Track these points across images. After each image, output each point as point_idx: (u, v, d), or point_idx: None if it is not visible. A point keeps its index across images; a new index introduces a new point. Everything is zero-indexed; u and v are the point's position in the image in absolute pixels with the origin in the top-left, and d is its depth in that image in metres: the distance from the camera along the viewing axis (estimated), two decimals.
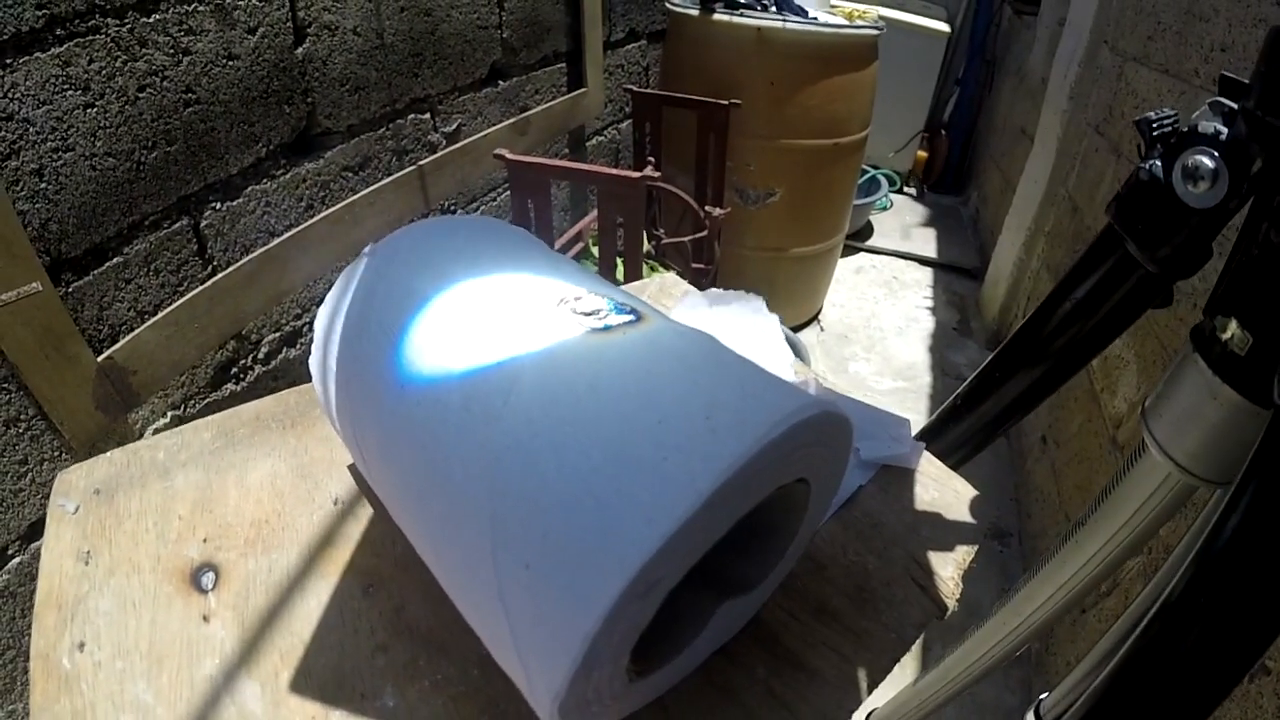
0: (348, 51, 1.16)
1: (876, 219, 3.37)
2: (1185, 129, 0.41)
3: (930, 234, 3.38)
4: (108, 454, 0.62)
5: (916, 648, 1.61)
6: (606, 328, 0.41)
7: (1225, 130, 0.39)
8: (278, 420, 0.66)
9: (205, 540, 0.55)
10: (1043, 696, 1.01)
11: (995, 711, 1.55)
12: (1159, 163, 0.42)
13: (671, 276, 0.96)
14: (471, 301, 0.45)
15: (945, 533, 0.60)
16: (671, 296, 0.88)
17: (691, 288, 0.91)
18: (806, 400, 0.37)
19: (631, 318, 0.43)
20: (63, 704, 0.44)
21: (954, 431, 0.69)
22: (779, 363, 0.76)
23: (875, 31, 1.96)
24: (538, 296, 0.45)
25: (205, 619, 0.50)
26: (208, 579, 0.52)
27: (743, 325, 0.82)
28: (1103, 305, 0.53)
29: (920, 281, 3.05)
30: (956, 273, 3.07)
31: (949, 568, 0.56)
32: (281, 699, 0.45)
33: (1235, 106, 0.40)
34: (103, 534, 0.55)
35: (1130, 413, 1.60)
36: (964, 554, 0.58)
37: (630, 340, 0.41)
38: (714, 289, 0.88)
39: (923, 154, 3.69)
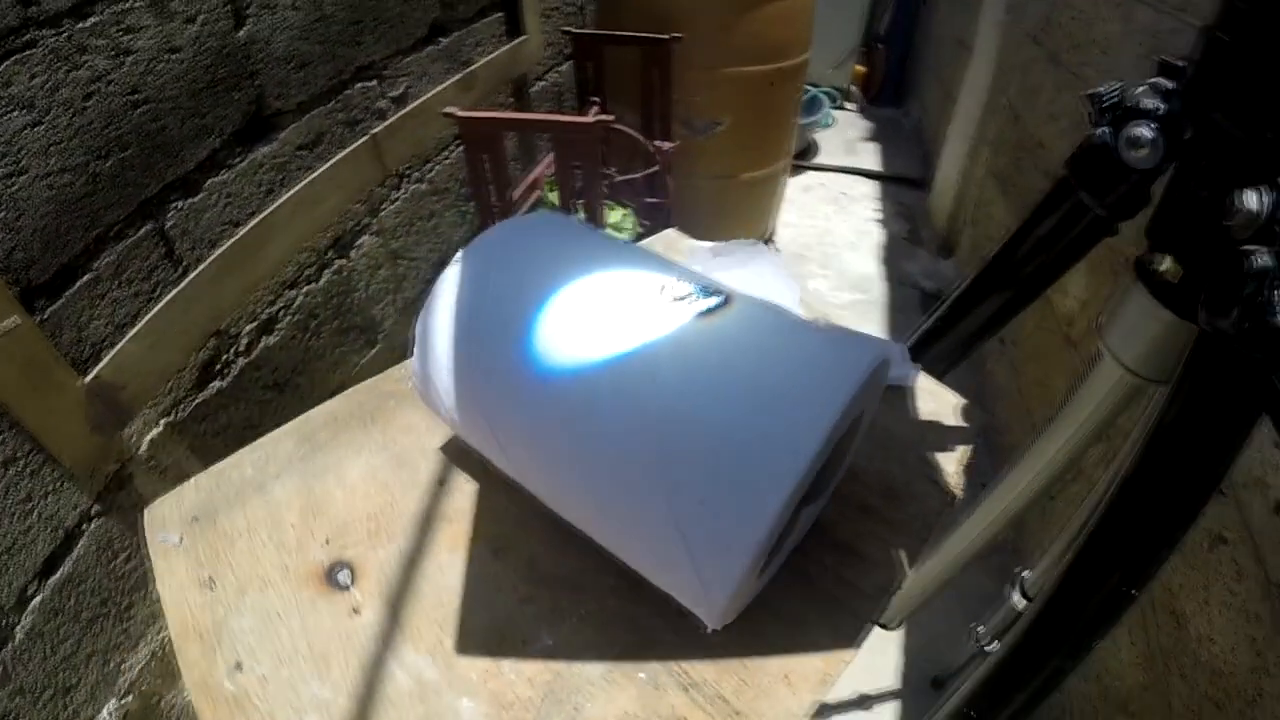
0: (289, 28, 1.10)
1: (821, 137, 3.34)
2: (1130, 104, 0.50)
3: (874, 148, 3.37)
4: (191, 481, 0.63)
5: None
6: (709, 310, 0.51)
7: (1162, 107, 0.48)
8: (355, 419, 0.69)
9: (328, 542, 0.58)
10: (1023, 574, 1.08)
11: (978, 597, 1.61)
12: (1108, 130, 0.51)
13: (672, 233, 0.97)
14: (585, 298, 0.52)
15: (945, 437, 0.70)
16: (679, 252, 0.92)
17: (696, 243, 0.95)
18: (874, 348, 0.49)
19: (719, 298, 0.52)
20: None
21: (936, 348, 0.77)
22: (789, 300, 0.82)
23: None
24: (636, 288, 0.53)
25: (356, 611, 0.53)
26: (344, 576, 0.55)
27: (749, 271, 0.86)
28: (1061, 240, 0.63)
29: (868, 195, 3.05)
30: (903, 184, 3.08)
31: (952, 464, 0.67)
32: (453, 662, 0.50)
33: (1171, 87, 0.49)
34: (218, 557, 0.56)
35: (1081, 311, 1.64)
36: (962, 453, 0.69)
37: (731, 321, 0.50)
38: (715, 242, 0.90)
39: (861, 69, 3.65)
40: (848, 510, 0.61)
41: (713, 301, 0.51)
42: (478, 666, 0.50)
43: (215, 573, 0.55)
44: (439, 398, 0.56)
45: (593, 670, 0.50)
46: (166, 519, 0.60)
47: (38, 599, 0.79)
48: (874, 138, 3.49)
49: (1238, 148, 0.44)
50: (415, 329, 0.57)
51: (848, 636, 0.53)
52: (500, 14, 1.70)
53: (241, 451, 0.65)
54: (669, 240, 0.94)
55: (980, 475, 1.62)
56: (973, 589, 1.62)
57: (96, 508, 0.85)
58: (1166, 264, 0.52)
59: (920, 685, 1.51)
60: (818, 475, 0.53)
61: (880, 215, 2.94)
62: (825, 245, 2.78)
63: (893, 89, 3.75)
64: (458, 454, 0.64)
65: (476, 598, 0.54)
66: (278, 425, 0.68)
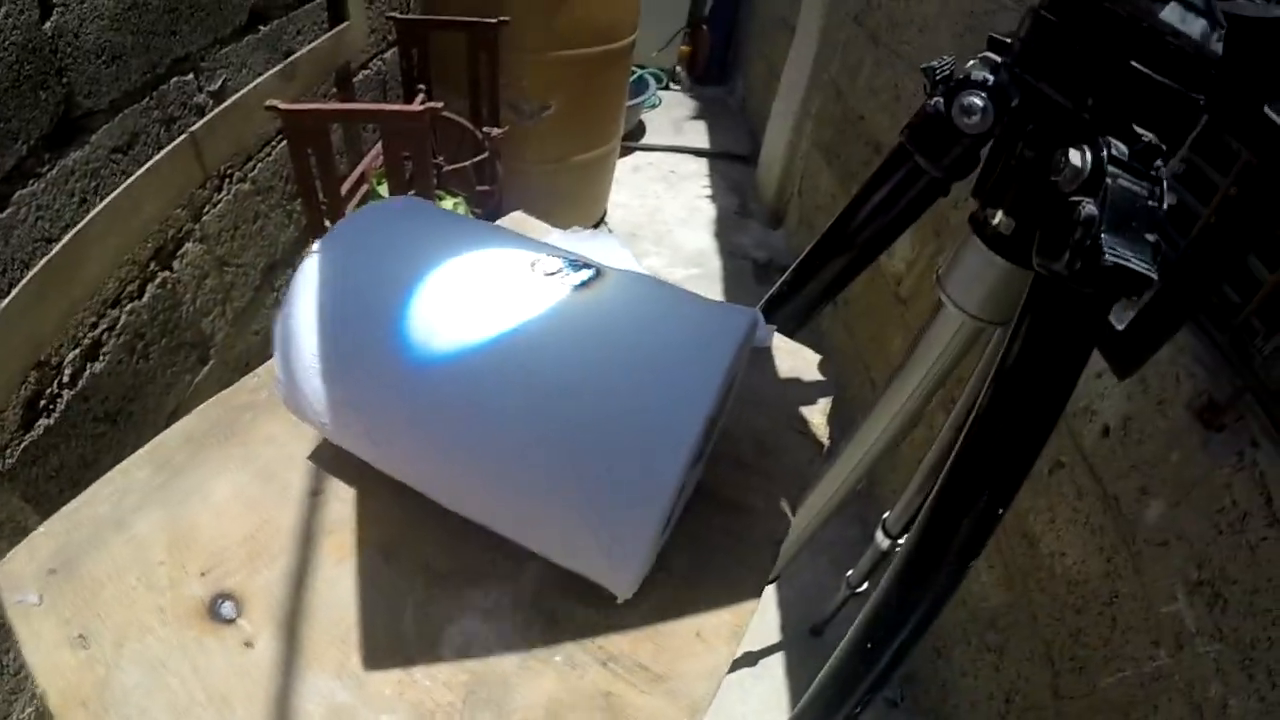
0: (100, 18, 1.00)
1: (648, 117, 3.40)
2: (961, 75, 0.55)
3: (701, 126, 3.46)
4: (41, 528, 0.55)
5: None
6: (584, 283, 0.51)
7: (992, 78, 0.53)
8: (212, 436, 0.63)
9: (204, 574, 0.53)
10: (885, 516, 1.16)
11: (841, 544, 1.71)
12: (941, 100, 0.56)
13: (519, 215, 0.96)
14: (455, 280, 0.51)
15: (808, 390, 0.76)
16: (532, 232, 0.92)
17: (545, 225, 0.95)
18: (747, 311, 0.53)
19: (591, 271, 0.53)
20: None
21: (783, 311, 0.83)
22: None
23: None
24: (506, 266, 0.52)
25: (249, 644, 0.49)
26: (229, 608, 0.51)
27: (605, 258, 0.86)
28: (898, 203, 0.69)
29: (697, 172, 3.13)
30: (731, 160, 3.18)
31: (816, 416, 0.72)
32: (363, 680, 0.48)
33: (999, 60, 0.55)
34: (86, 610, 0.50)
35: (908, 271, 1.76)
36: (824, 404, 0.74)
37: (608, 293, 0.52)
38: (573, 228, 0.91)
39: (686, 49, 3.73)
40: (725, 468, 0.64)
41: (585, 275, 0.52)
42: (390, 679, 0.48)
43: (86, 628, 0.49)
44: (307, 401, 0.54)
45: (509, 662, 0.50)
46: (19, 576, 0.52)
47: None
48: (701, 116, 3.58)
49: (1063, 114, 0.50)
50: (275, 331, 0.54)
51: (747, 587, 0.56)
52: (322, 0, 1.61)
53: (93, 487, 0.59)
54: (517, 221, 0.94)
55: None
56: (834, 538, 1.71)
57: None
58: (999, 219, 0.60)
59: (799, 635, 1.59)
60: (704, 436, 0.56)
61: (710, 191, 3.02)
62: (657, 223, 2.83)
63: (718, 68, 3.86)
64: (330, 460, 0.61)
65: (375, 608, 0.52)
66: (116, 462, 0.61)
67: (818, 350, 0.81)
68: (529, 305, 0.49)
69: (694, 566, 0.57)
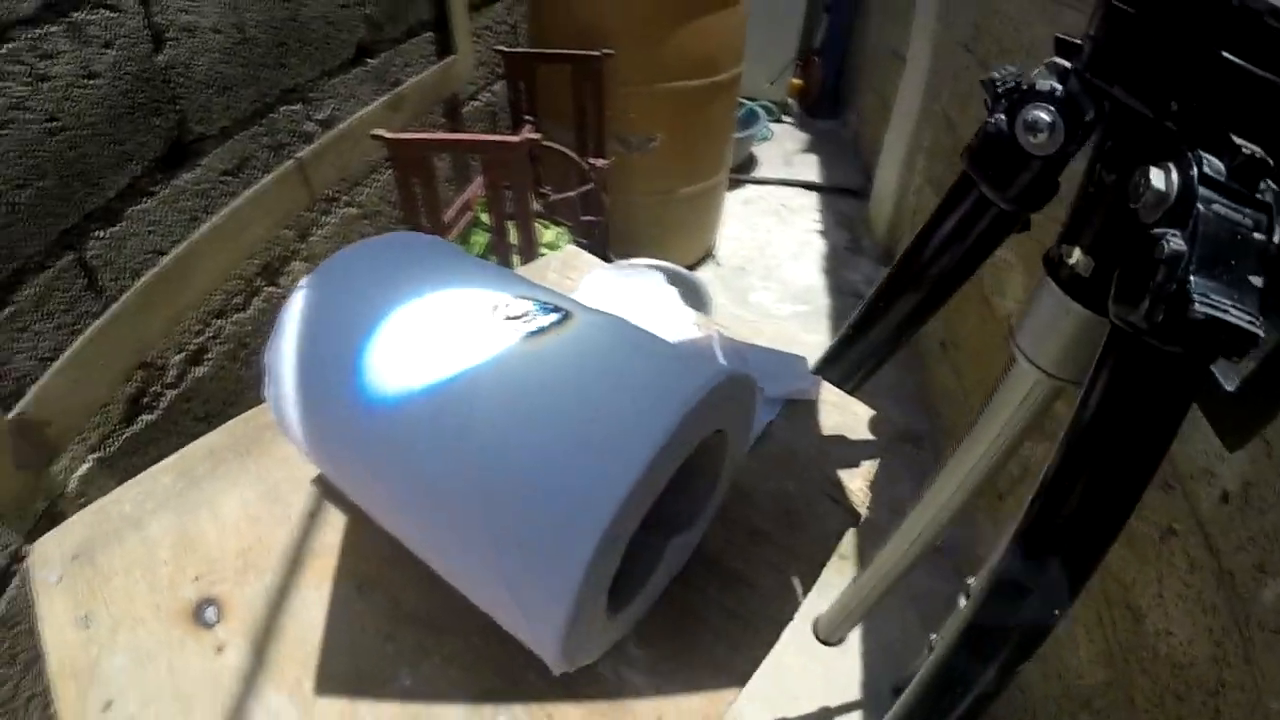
0: (210, 51, 1.11)
1: (759, 149, 3.41)
2: (1025, 86, 0.48)
3: (813, 159, 3.45)
4: (75, 517, 0.63)
5: (851, 552, 1.70)
6: (540, 329, 0.49)
7: (1060, 87, 0.46)
8: (232, 451, 0.69)
9: (197, 579, 0.58)
10: (969, 580, 1.11)
11: (931, 598, 1.66)
12: (1004, 116, 0.49)
13: (572, 249, 0.99)
14: (414, 322, 0.51)
15: (851, 451, 0.69)
16: (576, 269, 0.93)
17: (596, 260, 0.95)
18: (712, 370, 0.47)
19: (557, 316, 0.50)
20: None
21: (849, 357, 0.77)
22: (682, 323, 0.82)
23: None
24: (471, 308, 0.51)
25: (219, 650, 0.54)
26: (211, 613, 0.56)
27: (645, 296, 0.87)
28: (966, 238, 0.61)
29: (808, 206, 3.12)
30: (842, 194, 3.16)
31: (857, 480, 0.66)
32: (310, 703, 0.50)
33: (1069, 66, 0.47)
34: (94, 596, 0.57)
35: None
36: (869, 468, 0.67)
37: (561, 341, 0.48)
38: (617, 261, 0.91)
39: (797, 81, 3.74)
40: (736, 536, 0.61)
41: (548, 320, 0.50)
42: (335, 708, 0.50)
43: (91, 611, 0.56)
44: (291, 429, 0.56)
45: (453, 713, 0.50)
46: (49, 557, 0.60)
47: None
48: (812, 149, 3.58)
49: (1141, 124, 0.41)
50: (265, 359, 0.56)
51: (731, 674, 0.52)
52: (430, 34, 1.72)
53: (125, 486, 0.66)
54: (567, 259, 0.95)
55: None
56: (924, 590, 1.67)
57: (27, 548, 0.84)
58: (1076, 257, 0.50)
59: (881, 694, 1.55)
60: (676, 502, 0.53)
61: (821, 226, 3.01)
62: (767, 258, 2.83)
63: (829, 101, 3.84)
64: (329, 487, 0.65)
65: (338, 636, 0.54)
66: None
67: (923, 396, 0.75)
68: (475, 352, 0.48)
69: (674, 642, 0.54)
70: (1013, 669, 0.50)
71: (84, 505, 0.92)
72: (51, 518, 0.89)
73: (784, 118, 3.80)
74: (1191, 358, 0.39)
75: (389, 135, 1.45)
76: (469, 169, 2.01)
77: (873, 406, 0.76)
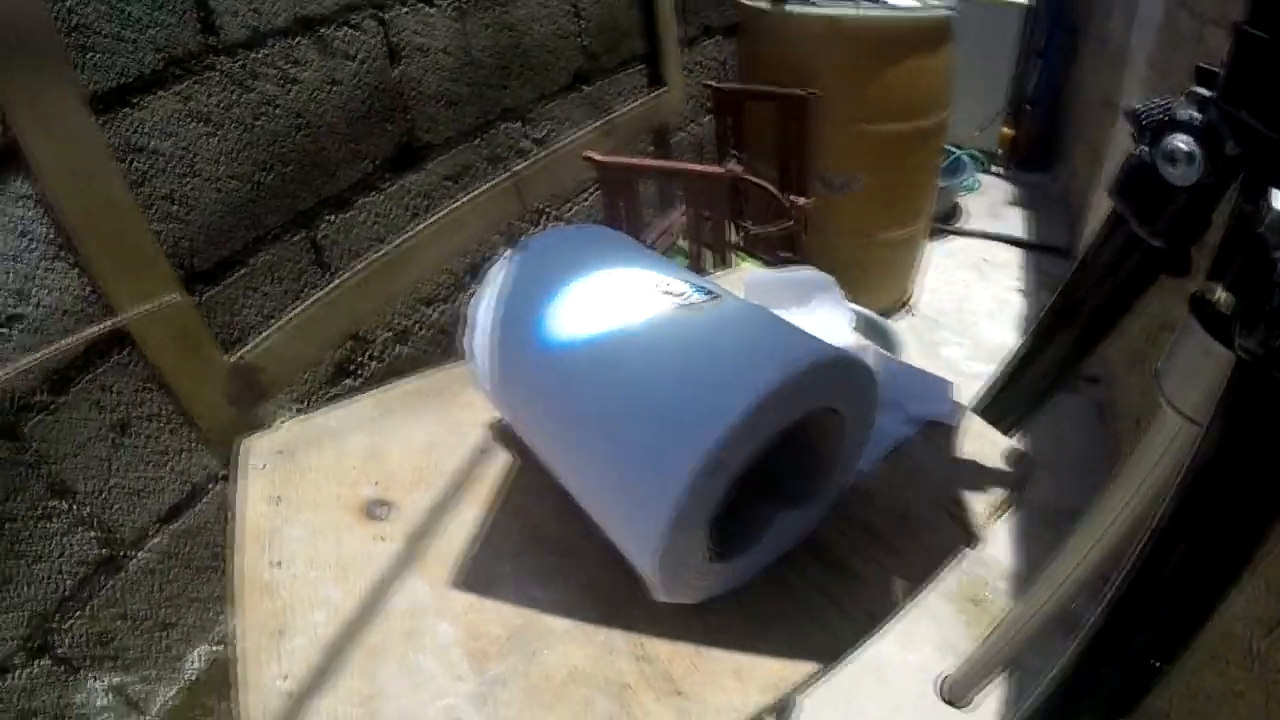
0: (439, 70, 1.21)
1: (965, 200, 3.25)
2: (1168, 117, 0.45)
3: (1019, 213, 3.24)
4: (284, 424, 0.75)
5: (987, 615, 1.57)
6: (690, 304, 0.55)
7: (1200, 117, 0.43)
8: (426, 393, 0.79)
9: (376, 484, 0.67)
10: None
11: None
12: (1147, 148, 0.46)
13: (748, 265, 0.98)
14: (590, 290, 0.59)
15: (981, 476, 0.67)
16: (744, 279, 0.93)
17: (762, 270, 0.93)
18: (824, 347, 0.51)
19: (708, 296, 0.56)
20: (264, 607, 0.56)
21: (1009, 397, 0.74)
22: (838, 328, 0.82)
23: (946, 12, 1.90)
24: (639, 284, 0.58)
25: (381, 539, 0.62)
26: (381, 511, 0.64)
27: (809, 299, 0.86)
28: (1118, 274, 0.59)
29: (1011, 262, 2.94)
30: (1047, 252, 2.94)
31: (981, 504, 0.63)
32: (445, 592, 0.57)
33: (1209, 95, 0.44)
34: (289, 483, 0.67)
35: None
36: (997, 494, 0.65)
37: (706, 311, 0.55)
38: (788, 268, 0.89)
39: (1008, 131, 3.51)
40: (850, 530, 0.61)
41: (700, 299, 0.56)
42: (464, 601, 0.57)
43: (283, 494, 0.66)
44: (477, 368, 0.64)
45: (560, 625, 0.55)
46: (259, 450, 0.71)
47: (156, 540, 0.89)
48: (1019, 202, 3.36)
49: (1270, 149, 0.39)
50: (466, 310, 0.65)
51: (815, 649, 0.52)
52: (643, 66, 1.78)
53: (331, 407, 0.77)
54: (742, 272, 0.98)
55: None
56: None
57: (224, 473, 0.94)
58: (1219, 295, 0.46)
59: None
60: (789, 479, 0.58)
61: (1022, 284, 2.82)
62: (964, 313, 2.69)
63: (1040, 152, 3.55)
64: (500, 430, 0.72)
65: (481, 547, 0.61)
66: None
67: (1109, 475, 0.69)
68: (635, 314, 0.55)
69: (767, 608, 0.55)
70: None
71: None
72: None
73: (993, 168, 3.57)
74: None
75: (599, 158, 1.51)
76: (673, 197, 2.06)
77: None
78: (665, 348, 0.53)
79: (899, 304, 2.62)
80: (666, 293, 0.56)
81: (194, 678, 0.95)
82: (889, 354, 0.80)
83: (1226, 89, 0.42)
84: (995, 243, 3.02)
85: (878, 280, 2.45)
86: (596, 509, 0.56)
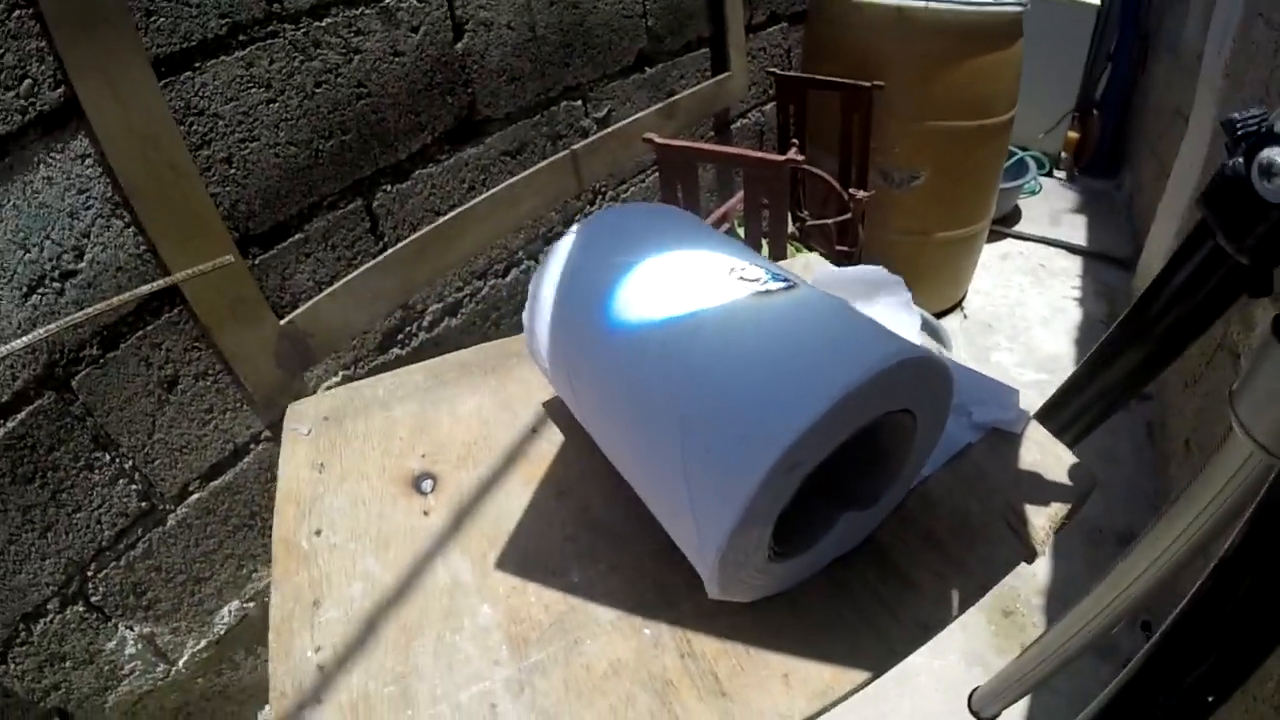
0: (503, 45, 1.18)
1: (1025, 203, 3.14)
2: (1266, 128, 0.42)
3: (1080, 220, 3.12)
4: (331, 390, 0.73)
5: (1017, 628, 1.52)
6: (767, 291, 0.51)
7: None
8: (479, 367, 0.76)
9: (424, 456, 0.65)
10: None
11: (1084, 699, 1.44)
12: (1241, 160, 0.42)
13: (814, 257, 0.94)
14: (660, 270, 0.56)
15: (1043, 489, 0.63)
16: (810, 271, 0.91)
17: (830, 266, 0.91)
18: (909, 346, 0.47)
19: (785, 284, 0.52)
20: (301, 576, 0.55)
21: (1072, 407, 0.71)
22: (905, 331, 0.77)
23: (1018, 8, 1.81)
24: (712, 267, 0.55)
25: (425, 513, 0.60)
26: (427, 484, 0.62)
27: (874, 297, 0.82)
28: (1199, 291, 0.56)
29: (1069, 270, 2.82)
30: (1107, 262, 2.83)
31: (1041, 518, 0.60)
32: (488, 571, 0.55)
33: None
34: (333, 450, 0.65)
35: None
36: (1058, 509, 0.61)
37: (783, 300, 0.51)
38: (858, 266, 0.86)
39: (1073, 135, 3.36)
40: (909, 536, 0.58)
41: (776, 286, 0.52)
42: (507, 583, 0.54)
43: (327, 461, 0.64)
44: (537, 344, 0.62)
45: (605, 614, 0.52)
46: (303, 415, 0.69)
47: (196, 496, 0.89)
48: (1081, 209, 3.22)
49: None
50: (530, 285, 0.62)
51: (868, 657, 0.49)
52: (706, 50, 1.73)
53: (381, 375, 0.74)
54: (809, 264, 0.94)
55: None
56: (1074, 691, 1.45)
57: (267, 434, 0.94)
58: None
59: None
60: (857, 480, 0.55)
61: (1079, 293, 2.71)
62: (1016, 319, 2.59)
63: (1106, 158, 3.39)
64: (554, 409, 0.69)
65: (527, 527, 0.59)
66: None
67: (1157, 499, 0.65)
68: (708, 299, 0.52)
69: (821, 612, 0.52)
70: None
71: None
72: None
73: (1055, 172, 3.43)
74: None
75: (659, 140, 1.47)
76: (732, 183, 2.01)
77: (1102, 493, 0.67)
78: (741, 336, 0.49)
79: (952, 306, 2.54)
80: (742, 278, 0.53)
81: (223, 632, 0.96)
82: (952, 357, 0.76)
83: None
84: (1054, 249, 2.91)
85: (932, 280, 2.37)
86: (656, 499, 0.53)
